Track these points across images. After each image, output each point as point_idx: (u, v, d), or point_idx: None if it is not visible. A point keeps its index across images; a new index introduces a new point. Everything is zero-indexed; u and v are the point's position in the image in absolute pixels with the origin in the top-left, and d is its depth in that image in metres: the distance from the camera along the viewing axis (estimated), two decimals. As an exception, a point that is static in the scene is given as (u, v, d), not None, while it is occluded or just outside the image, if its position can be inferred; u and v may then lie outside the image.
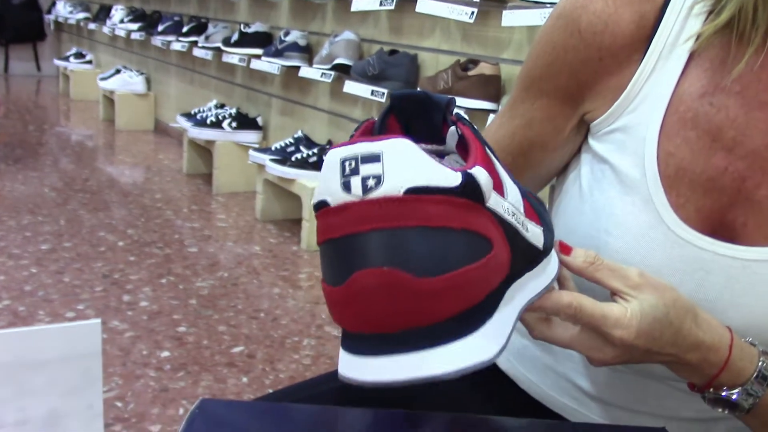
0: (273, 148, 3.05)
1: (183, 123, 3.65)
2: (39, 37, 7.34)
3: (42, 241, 2.64)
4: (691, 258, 0.63)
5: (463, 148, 0.47)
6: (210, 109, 3.74)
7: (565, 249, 0.59)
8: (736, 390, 0.59)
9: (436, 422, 0.58)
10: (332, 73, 2.81)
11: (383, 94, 2.47)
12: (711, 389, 0.60)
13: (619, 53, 0.66)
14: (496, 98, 2.12)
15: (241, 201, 3.44)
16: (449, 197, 0.40)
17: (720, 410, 0.60)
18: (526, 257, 0.51)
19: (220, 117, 3.53)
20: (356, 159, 0.40)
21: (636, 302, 0.56)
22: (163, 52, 4.86)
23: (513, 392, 0.79)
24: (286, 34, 3.16)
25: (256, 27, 3.50)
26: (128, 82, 4.93)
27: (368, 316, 0.41)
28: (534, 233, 0.51)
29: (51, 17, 7.04)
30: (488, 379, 0.79)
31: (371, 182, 0.39)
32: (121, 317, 2.09)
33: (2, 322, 1.98)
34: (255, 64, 3.36)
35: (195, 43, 4.07)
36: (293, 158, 2.90)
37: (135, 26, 4.98)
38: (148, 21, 4.95)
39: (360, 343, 0.43)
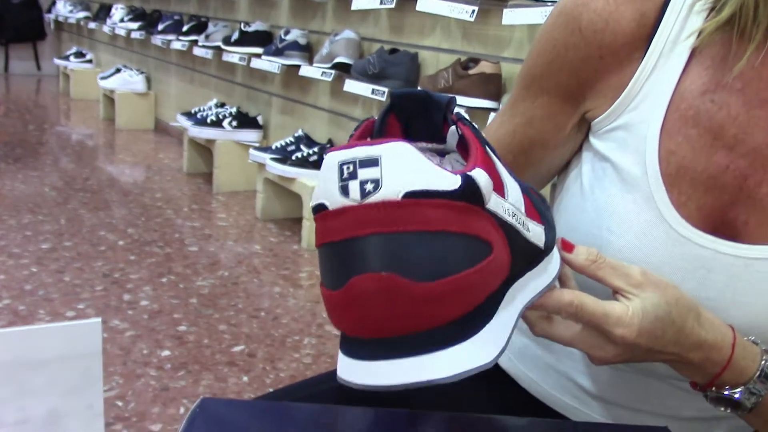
0: (273, 147, 3.05)
1: (183, 122, 3.64)
2: (39, 37, 7.34)
3: (42, 240, 2.64)
4: (692, 256, 0.63)
5: (463, 147, 0.47)
6: (210, 108, 3.73)
7: (567, 246, 0.59)
8: (739, 389, 0.59)
9: (436, 421, 0.58)
10: (332, 71, 2.81)
11: (384, 92, 2.47)
12: (713, 388, 0.60)
13: (620, 51, 0.66)
14: (496, 97, 2.12)
15: (242, 200, 3.44)
16: (448, 201, 0.40)
17: (722, 409, 0.60)
18: (527, 257, 0.51)
19: (220, 116, 3.53)
20: (354, 163, 0.40)
21: (638, 300, 0.56)
22: (163, 51, 4.86)
23: (514, 391, 0.79)
24: (287, 32, 3.16)
25: (256, 26, 3.50)
26: (128, 81, 4.92)
27: (367, 321, 0.41)
28: (535, 232, 0.51)
29: (51, 16, 7.04)
30: (489, 378, 0.79)
31: (369, 186, 0.39)
32: (122, 316, 2.09)
33: (2, 321, 1.98)
34: (255, 63, 3.36)
35: (195, 42, 4.07)
36: (293, 157, 2.90)
37: (135, 25, 4.98)
38: (148, 20, 4.94)
39: (359, 347, 0.43)
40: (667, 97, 0.64)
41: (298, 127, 3.22)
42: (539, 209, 0.54)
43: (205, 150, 3.75)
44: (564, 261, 0.58)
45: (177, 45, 4.28)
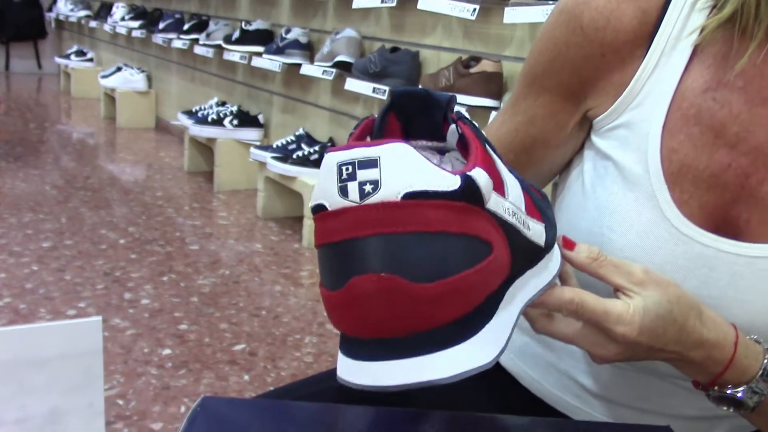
0: (274, 146, 3.05)
1: (184, 121, 3.64)
2: (40, 35, 7.34)
3: (43, 239, 2.64)
4: (694, 255, 0.63)
5: (463, 145, 0.47)
6: (211, 107, 3.73)
7: (568, 244, 0.58)
8: (741, 388, 0.59)
9: (437, 420, 0.58)
10: (333, 70, 2.81)
11: (385, 91, 2.46)
12: (716, 387, 0.59)
13: (622, 49, 0.65)
14: (498, 95, 2.12)
15: (243, 199, 3.44)
16: (448, 201, 0.40)
17: (725, 408, 0.60)
18: (528, 256, 0.50)
19: (221, 114, 3.53)
20: (353, 164, 0.39)
21: (639, 299, 0.56)
22: (164, 50, 4.86)
23: (515, 390, 0.79)
24: (287, 31, 3.16)
25: (257, 24, 3.50)
26: (129, 80, 4.92)
27: (366, 322, 0.41)
28: (535, 231, 0.50)
29: (52, 15, 7.04)
30: (490, 377, 0.78)
31: (368, 187, 0.39)
32: (123, 315, 2.09)
33: (3, 319, 1.98)
34: (256, 62, 3.36)
35: (196, 40, 4.07)
36: (294, 156, 2.90)
37: (136, 24, 4.98)
38: (149, 19, 4.94)
39: (359, 347, 0.43)
40: (668, 95, 0.64)
41: (299, 126, 3.22)
42: (539, 207, 0.54)
43: (206, 148, 3.75)
44: (565, 259, 0.58)
45: (178, 43, 4.28)
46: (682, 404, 0.70)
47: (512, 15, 1.93)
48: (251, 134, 3.53)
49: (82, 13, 6.28)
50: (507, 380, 0.80)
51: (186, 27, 4.24)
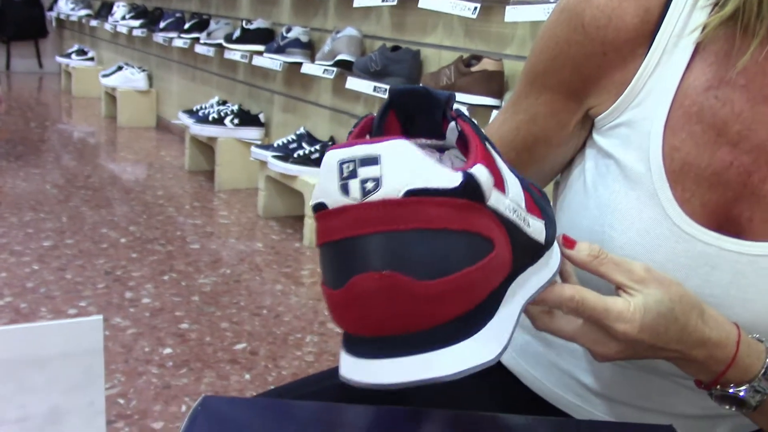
0: (275, 145, 3.05)
1: (185, 120, 3.64)
2: (41, 34, 7.35)
3: (44, 238, 2.64)
4: (696, 253, 0.63)
5: (463, 143, 0.47)
6: (212, 106, 3.73)
7: (569, 243, 0.58)
8: (744, 387, 0.58)
9: (438, 419, 0.58)
10: (334, 69, 2.80)
11: (385, 90, 2.46)
12: (718, 386, 0.59)
13: (623, 47, 0.65)
14: (499, 94, 2.12)
15: (243, 198, 3.44)
16: (449, 198, 0.40)
17: (727, 407, 0.60)
18: (528, 253, 0.50)
19: (222, 114, 3.53)
20: (354, 161, 0.39)
21: (640, 296, 0.56)
22: (164, 49, 4.86)
23: (517, 389, 0.79)
24: (288, 30, 3.16)
25: (257, 23, 3.50)
26: (130, 79, 4.93)
27: (369, 320, 0.41)
28: (536, 228, 0.50)
29: (53, 14, 7.04)
30: (492, 376, 0.78)
31: (370, 185, 0.39)
32: (124, 314, 2.09)
33: (4, 319, 1.98)
34: (257, 61, 3.36)
35: (197, 39, 4.07)
36: (295, 155, 2.90)
37: (137, 23, 4.98)
38: (150, 18, 4.94)
39: (361, 345, 0.43)
40: (670, 94, 0.64)
41: (299, 125, 3.22)
42: (539, 204, 0.54)
43: (206, 148, 3.75)
44: (566, 257, 0.58)
45: (179, 42, 4.28)
46: (683, 403, 0.70)
47: (513, 13, 1.93)
48: (252, 133, 3.53)
49: (83, 12, 6.28)
50: (508, 379, 0.80)
51: (187, 26, 4.24)
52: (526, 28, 2.14)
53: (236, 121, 3.50)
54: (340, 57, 2.76)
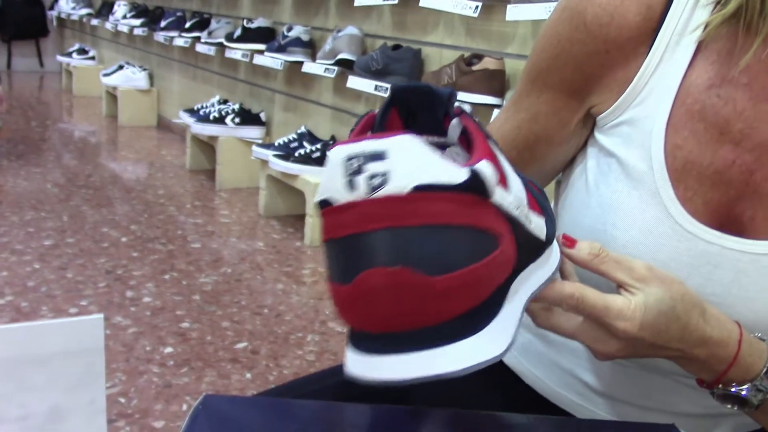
0: (276, 144, 3.05)
1: (186, 119, 3.64)
2: (42, 33, 7.35)
3: (45, 237, 2.64)
4: (698, 252, 0.63)
5: (465, 140, 0.47)
6: (213, 105, 3.73)
7: (569, 242, 0.58)
8: (746, 386, 0.58)
9: (440, 418, 0.58)
10: (335, 68, 2.80)
11: (387, 89, 2.46)
12: (720, 385, 0.59)
13: (626, 45, 0.65)
14: (500, 93, 2.11)
15: (245, 197, 3.44)
16: (456, 194, 0.40)
17: (729, 406, 0.60)
18: (530, 249, 0.50)
19: (223, 113, 3.53)
20: (361, 157, 0.39)
21: (641, 294, 0.55)
22: (165, 48, 4.86)
23: (518, 388, 0.79)
24: (289, 29, 3.15)
25: (258, 22, 3.50)
26: (131, 78, 4.93)
27: (375, 316, 0.41)
28: (537, 225, 0.50)
29: (54, 13, 7.05)
30: (493, 375, 0.78)
31: (377, 181, 0.39)
32: (124, 313, 2.09)
33: (5, 318, 1.99)
34: (258, 60, 3.35)
35: (198, 38, 4.07)
36: (296, 154, 2.90)
37: (138, 22, 4.98)
38: (151, 17, 4.94)
39: (367, 341, 0.43)
40: (672, 92, 0.64)
41: (301, 124, 3.22)
42: (539, 201, 0.54)
43: (207, 147, 3.75)
44: (566, 256, 0.58)
45: (180, 42, 4.28)
46: (684, 402, 0.70)
47: (514, 12, 1.93)
48: (253, 132, 3.53)
49: (84, 11, 6.28)
50: (510, 378, 0.80)
51: (188, 25, 4.24)
52: (528, 26, 2.14)
53: (237, 120, 3.50)
54: (341, 56, 2.76)
